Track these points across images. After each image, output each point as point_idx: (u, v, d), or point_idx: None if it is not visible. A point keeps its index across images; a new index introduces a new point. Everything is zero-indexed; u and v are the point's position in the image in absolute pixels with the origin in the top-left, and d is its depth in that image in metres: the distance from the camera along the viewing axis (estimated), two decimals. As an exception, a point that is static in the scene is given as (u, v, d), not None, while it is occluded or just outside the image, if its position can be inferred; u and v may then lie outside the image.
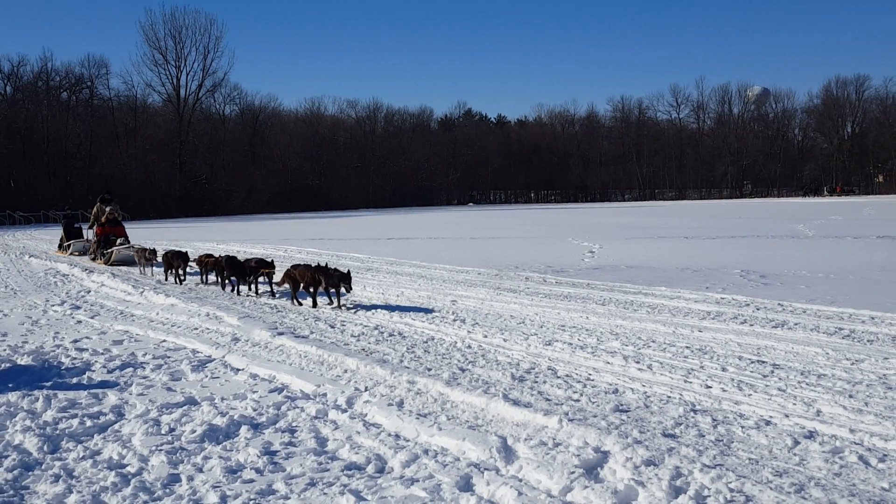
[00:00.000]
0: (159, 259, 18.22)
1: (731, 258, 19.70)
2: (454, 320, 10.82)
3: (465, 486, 4.78)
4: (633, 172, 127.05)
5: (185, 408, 6.67)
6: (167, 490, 4.87)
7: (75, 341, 9.99)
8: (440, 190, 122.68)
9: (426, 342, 9.40)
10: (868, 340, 8.85)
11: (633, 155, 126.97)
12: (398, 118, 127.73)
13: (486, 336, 9.65)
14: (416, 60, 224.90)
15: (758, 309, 11.28)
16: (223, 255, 16.58)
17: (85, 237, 26.90)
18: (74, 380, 7.86)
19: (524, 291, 13.72)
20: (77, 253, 25.75)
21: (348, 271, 12.18)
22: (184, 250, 17.88)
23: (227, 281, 15.42)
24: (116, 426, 6.24)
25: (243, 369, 8.25)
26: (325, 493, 4.74)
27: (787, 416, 5.98)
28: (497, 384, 7.12)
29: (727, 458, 5.06)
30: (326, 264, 12.87)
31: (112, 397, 7.10)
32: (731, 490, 4.50)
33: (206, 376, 8.00)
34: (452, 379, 7.32)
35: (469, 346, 9.06)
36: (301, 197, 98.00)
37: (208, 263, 16.45)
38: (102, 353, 9.16)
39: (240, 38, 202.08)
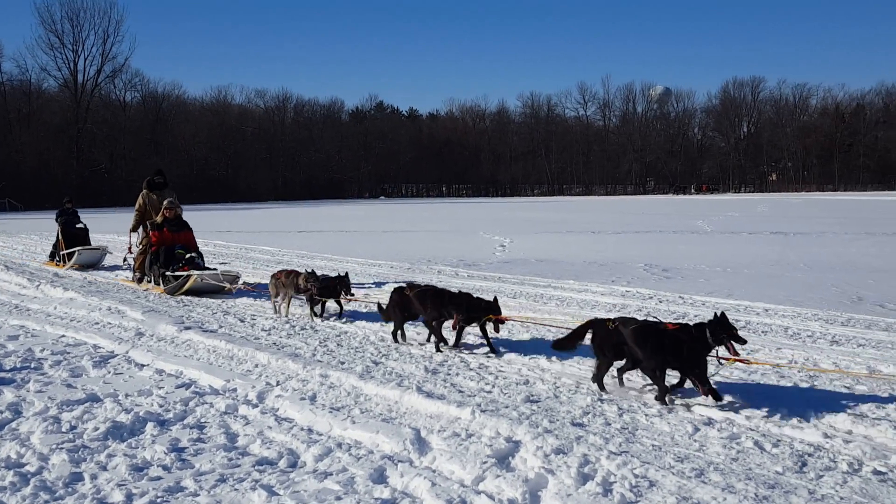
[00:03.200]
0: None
1: (635, 252, 20.22)
2: (367, 313, 10.79)
3: (379, 478, 4.78)
4: (541, 168, 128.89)
5: (86, 405, 6.47)
6: (69, 489, 4.72)
7: (-33, 337, 9.55)
8: (351, 183, 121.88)
9: (339, 336, 9.36)
10: (762, 332, 9.23)
11: (541, 151, 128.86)
12: (308, 109, 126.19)
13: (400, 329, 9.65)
14: (326, 51, 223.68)
15: (660, 301, 11.64)
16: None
17: (100, 245, 19.59)
18: (-33, 377, 7.52)
19: (437, 285, 13.76)
20: (79, 266, 18.10)
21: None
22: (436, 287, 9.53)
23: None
24: (13, 424, 6.00)
25: (148, 365, 8.04)
26: (235, 489, 4.67)
27: (688, 405, 6.18)
28: (411, 377, 7.14)
29: (632, 446, 5.20)
30: None
31: (8, 395, 6.83)
32: (636, 476, 4.64)
33: (109, 372, 7.77)
34: (366, 372, 7.31)
35: (382, 339, 9.07)
36: (207, 188, 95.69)
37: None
38: (-3, 349, 8.78)
39: (142, 22, 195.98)
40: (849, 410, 5.89)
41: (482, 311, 8.21)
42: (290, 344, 8.81)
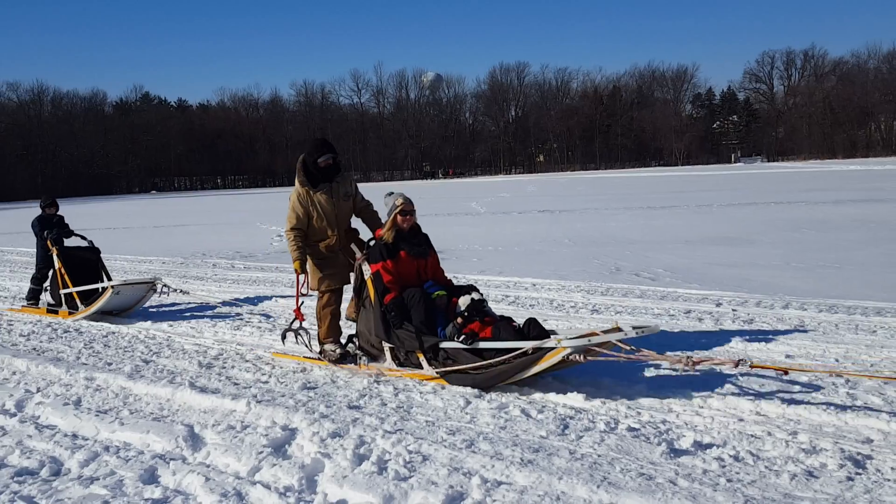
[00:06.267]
0: None
1: (412, 236, 20.64)
2: (137, 312, 10.38)
3: (150, 478, 4.65)
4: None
5: None
6: None
7: None
8: (119, 178, 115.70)
9: (106, 336, 8.95)
10: (530, 305, 9.79)
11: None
12: (67, 102, 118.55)
13: (171, 325, 9.40)
14: (84, 39, 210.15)
15: (435, 282, 11.98)
16: None
17: (154, 276, 11.97)
18: None
19: (212, 278, 13.48)
20: (89, 311, 10.27)
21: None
22: None
23: None
24: None
25: None
26: (-8, 505, 4.40)
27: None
28: (184, 373, 6.98)
29: (407, 423, 5.36)
30: None
31: None
32: (410, 452, 4.78)
33: None
34: (135, 372, 7.06)
35: (153, 337, 8.78)
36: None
37: None
38: None
39: None
40: (609, 375, 6.31)
41: None
42: (52, 348, 8.33)
